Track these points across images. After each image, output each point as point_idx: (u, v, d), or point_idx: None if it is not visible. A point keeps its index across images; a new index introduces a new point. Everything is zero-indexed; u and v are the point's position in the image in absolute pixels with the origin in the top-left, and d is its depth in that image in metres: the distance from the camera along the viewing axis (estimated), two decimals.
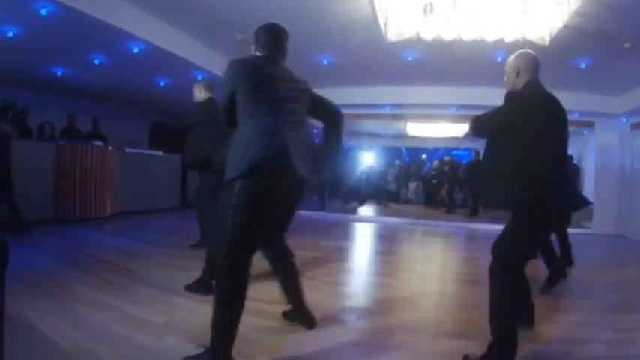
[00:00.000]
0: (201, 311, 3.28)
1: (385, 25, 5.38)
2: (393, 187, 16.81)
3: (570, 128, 9.41)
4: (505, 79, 2.85)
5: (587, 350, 2.89)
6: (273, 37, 2.82)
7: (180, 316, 3.16)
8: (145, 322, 2.96)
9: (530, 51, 2.78)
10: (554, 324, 3.47)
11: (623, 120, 9.49)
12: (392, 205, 14.80)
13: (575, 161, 12.04)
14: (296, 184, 2.67)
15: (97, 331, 2.74)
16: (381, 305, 3.93)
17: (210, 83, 5.05)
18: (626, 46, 6.08)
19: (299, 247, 5.96)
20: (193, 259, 4.92)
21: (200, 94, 4.97)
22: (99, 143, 7.92)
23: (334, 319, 3.40)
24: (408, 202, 16.98)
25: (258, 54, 2.82)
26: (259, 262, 4.95)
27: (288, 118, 2.64)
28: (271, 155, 2.42)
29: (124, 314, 3.09)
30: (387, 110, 10.31)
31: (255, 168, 2.38)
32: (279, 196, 2.60)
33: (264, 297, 3.69)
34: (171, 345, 2.63)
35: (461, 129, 13.11)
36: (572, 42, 6.06)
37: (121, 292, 3.62)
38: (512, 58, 2.81)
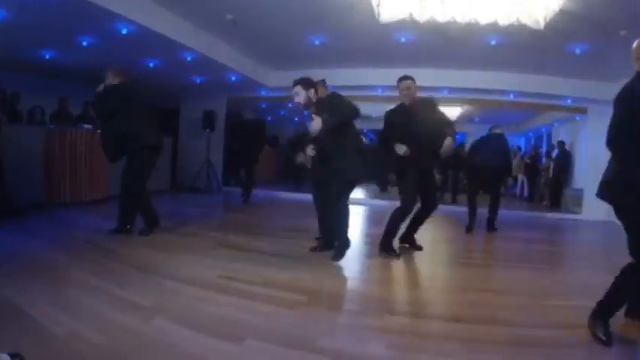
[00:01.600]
0: (188, 293, 3.30)
1: (378, 5, 5.31)
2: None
3: (563, 114, 9.48)
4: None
5: (574, 335, 2.89)
6: None
7: (168, 298, 3.14)
8: (133, 305, 2.94)
9: None
10: (542, 308, 3.50)
11: None
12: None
13: (566, 147, 12.11)
14: None
15: (87, 315, 2.71)
16: (372, 287, 3.93)
17: (121, 70, 5.29)
18: (622, 32, 6.03)
19: (290, 229, 6.00)
20: (181, 242, 5.00)
21: (114, 79, 5.17)
22: (88, 126, 7.83)
23: (324, 300, 3.42)
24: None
25: None
26: (249, 242, 5.00)
27: None
28: None
29: (113, 297, 3.06)
30: (379, 92, 10.24)
31: None
32: None
33: (253, 279, 3.72)
34: (160, 327, 2.62)
35: (453, 112, 13.07)
36: (567, 27, 5.99)
37: (111, 275, 3.59)
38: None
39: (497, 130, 7.18)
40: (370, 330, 2.82)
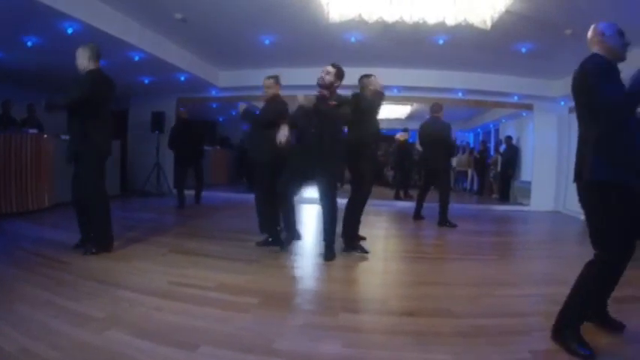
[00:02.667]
0: (141, 302, 3.22)
1: (327, 4, 5.33)
2: None
3: (510, 110, 9.73)
4: None
5: (526, 323, 3.00)
6: None
7: (122, 309, 3.05)
8: (86, 318, 2.84)
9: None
10: (494, 298, 3.59)
11: (562, 103, 9.87)
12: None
13: (514, 142, 12.47)
14: None
15: (38, 330, 2.61)
16: (326, 285, 3.98)
17: (98, 53, 4.63)
18: (567, 32, 6.25)
19: (243, 231, 5.95)
20: (132, 249, 4.86)
21: (88, 62, 4.53)
22: (33, 131, 7.54)
23: (278, 302, 3.40)
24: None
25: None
26: (201, 247, 4.94)
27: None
28: None
29: (64, 311, 2.95)
30: None
31: None
32: None
33: (206, 284, 3.68)
34: (113, 339, 2.54)
35: (403, 110, 13.26)
36: (513, 27, 6.17)
37: (62, 287, 3.46)
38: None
39: None
40: (325, 329, 2.83)
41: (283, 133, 4.62)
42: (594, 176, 2.48)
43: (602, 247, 2.52)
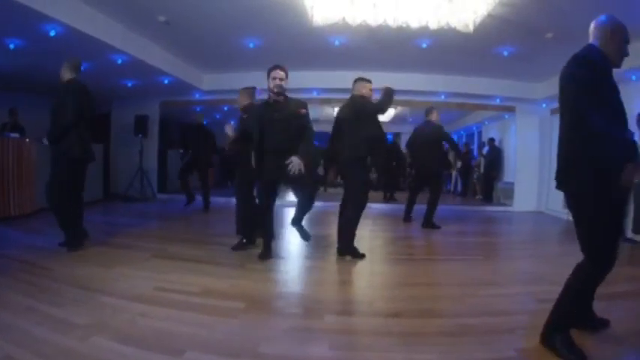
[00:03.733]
0: (125, 307, 3.19)
1: (312, 8, 5.33)
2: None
3: (492, 113, 9.78)
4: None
5: (511, 322, 3.02)
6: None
7: (106, 315, 3.02)
8: (70, 324, 2.80)
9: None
10: (479, 298, 3.62)
11: (544, 105, 10.02)
12: None
13: (496, 143, 12.60)
14: None
15: (22, 338, 2.57)
16: (311, 288, 3.98)
17: (76, 63, 5.04)
18: (548, 35, 6.33)
19: (227, 235, 5.92)
20: (116, 255, 4.81)
21: (67, 74, 4.93)
22: (15, 135, 7.45)
23: (264, 306, 3.39)
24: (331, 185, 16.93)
25: None
26: (185, 251, 4.91)
27: None
28: None
29: (48, 317, 2.91)
30: (315, 95, 10.27)
31: None
32: None
33: (190, 289, 3.66)
34: (97, 345, 2.52)
35: (387, 113, 13.31)
36: (496, 31, 6.25)
37: (45, 294, 3.41)
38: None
39: None
40: (312, 332, 2.84)
41: None
42: (585, 188, 2.44)
43: (593, 257, 2.46)
